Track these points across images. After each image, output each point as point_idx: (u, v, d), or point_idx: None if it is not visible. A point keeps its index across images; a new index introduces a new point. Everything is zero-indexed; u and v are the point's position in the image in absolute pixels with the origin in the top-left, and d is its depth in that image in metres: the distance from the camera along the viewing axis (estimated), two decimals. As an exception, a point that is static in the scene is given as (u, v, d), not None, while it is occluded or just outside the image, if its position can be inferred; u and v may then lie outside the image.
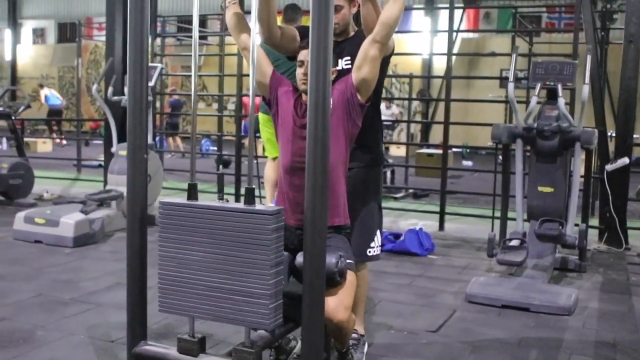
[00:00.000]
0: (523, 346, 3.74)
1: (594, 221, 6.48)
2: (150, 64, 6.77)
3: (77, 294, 4.43)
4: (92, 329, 3.78)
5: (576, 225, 5.34)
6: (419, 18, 17.92)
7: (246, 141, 14.77)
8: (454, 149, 13.34)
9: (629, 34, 6.16)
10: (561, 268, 5.40)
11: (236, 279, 2.32)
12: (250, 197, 2.38)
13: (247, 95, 11.35)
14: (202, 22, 17.85)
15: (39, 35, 24.65)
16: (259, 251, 2.27)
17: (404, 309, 4.30)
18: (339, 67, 3.17)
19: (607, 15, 9.57)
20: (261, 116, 5.60)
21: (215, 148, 14.55)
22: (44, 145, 14.70)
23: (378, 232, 3.44)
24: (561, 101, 5.11)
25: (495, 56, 14.14)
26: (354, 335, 3.30)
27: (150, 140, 6.70)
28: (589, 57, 5.19)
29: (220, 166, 11.35)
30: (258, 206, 2.36)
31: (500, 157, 16.39)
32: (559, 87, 5.12)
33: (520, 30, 9.73)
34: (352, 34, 3.28)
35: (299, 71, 2.88)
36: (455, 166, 12.13)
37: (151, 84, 6.61)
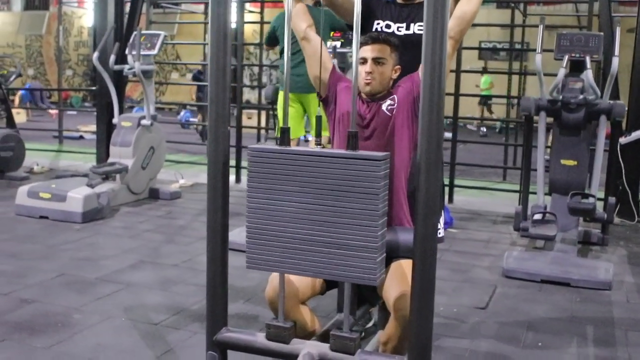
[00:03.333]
0: (575, 322, 3.66)
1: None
2: (152, 32, 6.54)
3: (102, 273, 4.22)
4: (130, 311, 3.59)
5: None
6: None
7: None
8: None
9: (646, 6, 6.10)
10: (584, 241, 5.35)
11: (339, 231, 2.13)
12: (354, 142, 2.20)
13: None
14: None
15: (4, 2, 23.72)
16: (367, 200, 2.10)
17: (445, 286, 4.19)
18: (411, 32, 3.01)
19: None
20: (282, 94, 5.27)
21: (196, 119, 14.27)
22: (17, 116, 14.20)
23: (442, 213, 3.30)
24: (589, 73, 5.02)
25: (474, 27, 14.10)
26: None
27: (152, 111, 6.44)
28: (618, 29, 5.10)
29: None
30: (362, 152, 2.18)
31: (483, 129, 16.40)
32: (587, 59, 5.03)
33: (517, 0, 9.57)
34: None
35: (361, 69, 2.64)
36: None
37: (154, 52, 6.33)
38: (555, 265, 4.45)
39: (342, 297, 2.65)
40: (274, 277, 2.51)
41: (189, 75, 22.49)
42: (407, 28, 3.02)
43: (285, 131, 2.29)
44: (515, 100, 9.48)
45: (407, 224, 2.63)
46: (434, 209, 2.09)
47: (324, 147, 2.33)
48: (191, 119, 14.22)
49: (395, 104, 2.64)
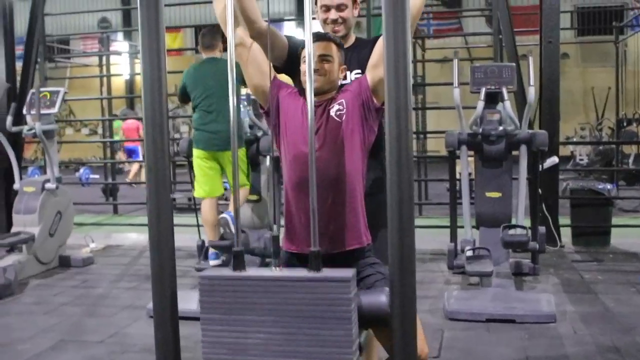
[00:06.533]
0: (533, 362, 3.58)
1: (527, 222, 6.50)
2: (51, 89, 6.15)
3: (21, 359, 3.80)
4: (59, 401, 3.22)
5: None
6: (290, 29, 17.83)
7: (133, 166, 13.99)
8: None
9: (547, 35, 6.26)
10: (516, 273, 5.32)
11: None
12: (316, 262, 1.92)
13: (130, 119, 10.62)
14: (66, 42, 16.80)
15: None
16: (338, 326, 1.84)
17: (392, 335, 4.02)
18: (348, 80, 2.85)
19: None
20: (197, 152, 5.03)
21: (97, 176, 13.67)
22: None
23: None
24: (507, 104, 5.04)
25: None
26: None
27: (57, 173, 6.03)
28: (530, 59, 5.17)
29: (111, 197, 10.56)
30: (327, 271, 1.90)
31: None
32: (504, 90, 5.06)
33: (420, 37, 9.75)
34: (352, 42, 2.98)
35: (303, 67, 2.48)
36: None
37: (55, 110, 5.94)
38: (498, 302, 4.38)
39: None
40: None
41: (85, 130, 21.78)
42: (344, 77, 2.86)
43: (238, 255, 2.00)
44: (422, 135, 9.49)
45: (363, 235, 2.47)
46: (411, 260, 1.89)
47: (280, 269, 2.11)
48: (91, 176, 13.65)
49: (344, 109, 2.48)
